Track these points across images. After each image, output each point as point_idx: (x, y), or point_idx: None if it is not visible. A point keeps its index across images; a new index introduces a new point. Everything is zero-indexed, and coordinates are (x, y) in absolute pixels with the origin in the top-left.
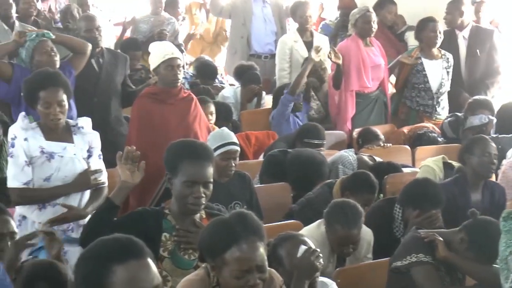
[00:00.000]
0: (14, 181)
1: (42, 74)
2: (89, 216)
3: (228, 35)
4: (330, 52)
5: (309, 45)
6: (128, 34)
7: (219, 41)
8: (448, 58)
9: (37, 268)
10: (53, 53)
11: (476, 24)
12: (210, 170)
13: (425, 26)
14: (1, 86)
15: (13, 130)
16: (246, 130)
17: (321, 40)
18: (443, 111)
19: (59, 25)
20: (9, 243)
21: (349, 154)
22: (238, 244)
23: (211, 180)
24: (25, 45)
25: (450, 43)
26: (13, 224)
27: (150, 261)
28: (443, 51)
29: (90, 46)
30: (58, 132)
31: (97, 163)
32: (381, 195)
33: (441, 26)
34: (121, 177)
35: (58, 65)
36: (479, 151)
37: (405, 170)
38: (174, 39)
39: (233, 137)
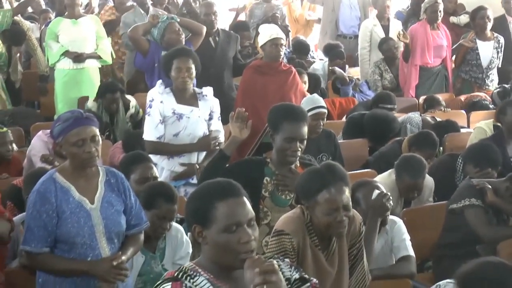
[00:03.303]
0: (149, 135)
1: (176, 48)
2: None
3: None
4: (399, 33)
5: (386, 28)
6: (243, 18)
7: (310, 24)
8: (499, 40)
9: (153, 186)
10: (180, 32)
11: None
12: (305, 129)
13: (476, 13)
14: (137, 57)
15: (152, 93)
16: (332, 97)
17: (395, 24)
18: (491, 83)
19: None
20: None
21: (415, 116)
22: (327, 188)
23: (306, 137)
24: (158, 25)
25: (503, 27)
26: (155, 170)
27: (245, 199)
28: (495, 34)
29: (205, 29)
30: (187, 97)
31: (217, 124)
32: (441, 148)
33: (492, 13)
34: (232, 132)
35: (183, 43)
36: (511, 110)
37: (461, 130)
38: (282, 21)
39: (322, 102)
